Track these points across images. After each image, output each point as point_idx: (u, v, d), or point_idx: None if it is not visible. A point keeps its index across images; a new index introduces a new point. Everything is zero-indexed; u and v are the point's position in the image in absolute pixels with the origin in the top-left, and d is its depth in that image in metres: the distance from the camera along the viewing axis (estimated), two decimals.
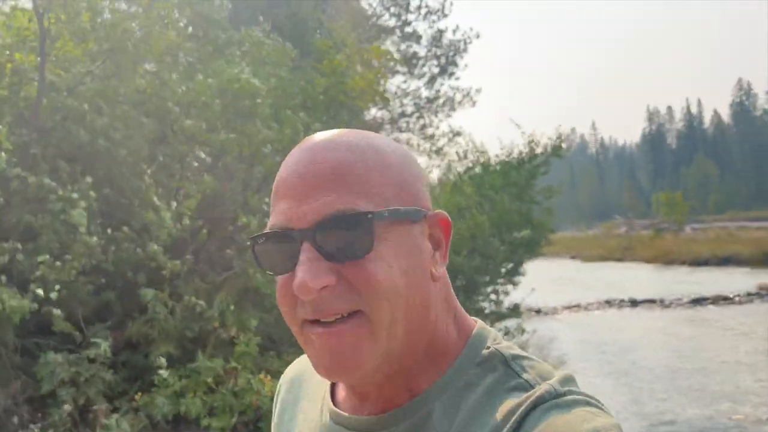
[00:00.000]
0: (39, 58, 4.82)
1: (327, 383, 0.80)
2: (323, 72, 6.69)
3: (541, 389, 0.64)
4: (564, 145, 10.14)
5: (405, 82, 21.73)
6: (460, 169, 11.54)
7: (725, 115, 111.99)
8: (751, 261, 24.96)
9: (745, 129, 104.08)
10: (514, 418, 0.62)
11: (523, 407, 0.63)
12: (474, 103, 21.69)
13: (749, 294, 17.02)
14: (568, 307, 17.14)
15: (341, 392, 0.78)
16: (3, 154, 4.76)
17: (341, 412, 0.75)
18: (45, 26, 4.69)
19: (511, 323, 10.18)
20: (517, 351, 0.71)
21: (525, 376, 0.67)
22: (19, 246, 5.17)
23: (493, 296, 10.47)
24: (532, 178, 10.18)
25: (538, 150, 10.17)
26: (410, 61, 21.46)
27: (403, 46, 21.83)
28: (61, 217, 5.33)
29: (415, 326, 0.69)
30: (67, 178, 5.39)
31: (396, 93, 21.21)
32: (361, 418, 0.72)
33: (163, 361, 5.21)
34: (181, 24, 6.63)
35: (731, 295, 16.87)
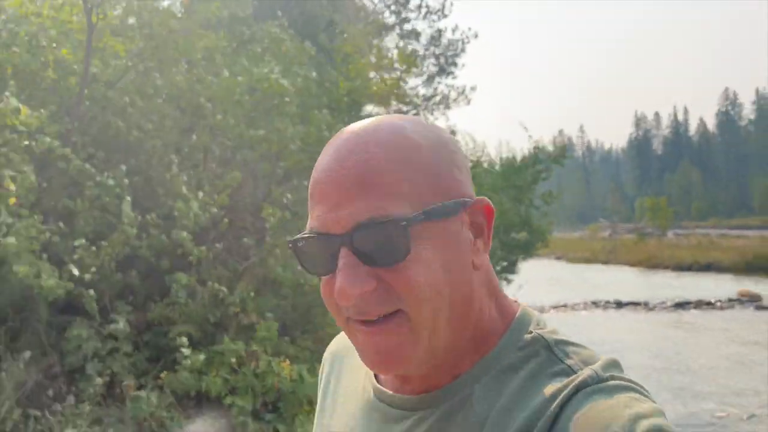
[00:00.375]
0: (84, 52, 5.05)
1: None
2: (347, 75, 6.97)
3: (583, 374, 0.64)
4: (565, 154, 10.53)
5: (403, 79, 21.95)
6: None
7: (711, 123, 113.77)
8: (732, 268, 25.63)
9: (729, 138, 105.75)
10: (556, 402, 0.63)
11: (565, 392, 0.63)
12: (469, 101, 21.94)
13: (730, 300, 17.58)
14: (555, 307, 17.56)
15: None
16: (48, 138, 5.00)
17: (385, 389, 0.76)
18: (93, 22, 4.92)
19: None
20: (561, 336, 0.71)
21: (568, 361, 0.67)
22: (61, 225, 5.41)
23: None
24: (533, 183, 10.55)
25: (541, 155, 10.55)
26: (409, 59, 21.68)
27: (401, 44, 22.07)
28: (96, 203, 5.60)
29: (459, 319, 0.69)
30: (102, 166, 5.64)
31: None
32: (404, 397, 0.73)
33: (184, 340, 5.50)
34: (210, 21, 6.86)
35: (713, 301, 17.41)
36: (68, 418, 5.01)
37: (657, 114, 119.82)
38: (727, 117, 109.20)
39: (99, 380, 5.11)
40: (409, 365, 0.67)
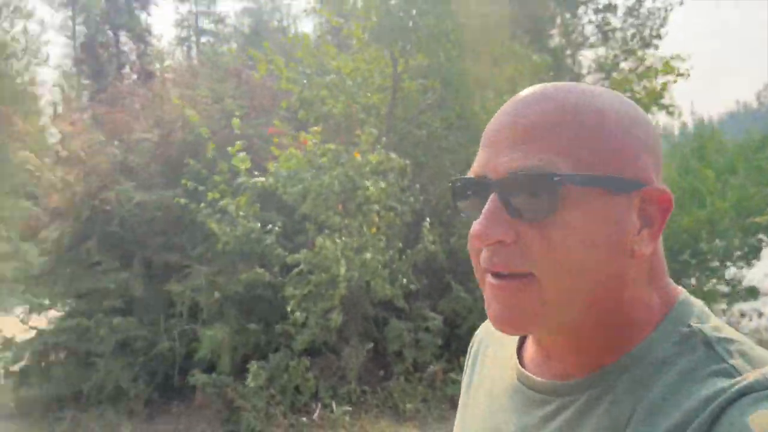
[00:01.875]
0: (387, 94, 6.20)
1: (515, 341, 0.81)
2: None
3: (750, 377, 0.57)
4: None
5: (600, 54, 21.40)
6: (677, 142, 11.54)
7: None
8: None
9: None
10: (716, 403, 0.56)
11: (726, 394, 0.56)
12: (677, 77, 20.85)
13: None
14: None
15: (529, 350, 0.78)
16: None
17: (524, 371, 0.75)
18: (398, 70, 6.02)
19: (746, 306, 10.34)
20: (726, 333, 0.64)
21: (731, 361, 0.60)
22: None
23: (727, 276, 10.59)
24: None
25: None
26: (606, 33, 21.10)
27: (596, 18, 21.49)
28: (397, 221, 6.78)
29: (602, 301, 0.65)
30: (403, 185, 6.80)
31: (590, 66, 21.05)
32: (547, 382, 0.71)
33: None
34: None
35: None
36: (400, 394, 6.24)
37: None
38: None
39: (433, 367, 6.25)
40: (528, 328, 0.67)
